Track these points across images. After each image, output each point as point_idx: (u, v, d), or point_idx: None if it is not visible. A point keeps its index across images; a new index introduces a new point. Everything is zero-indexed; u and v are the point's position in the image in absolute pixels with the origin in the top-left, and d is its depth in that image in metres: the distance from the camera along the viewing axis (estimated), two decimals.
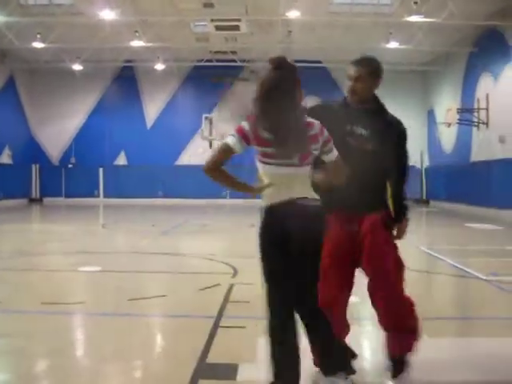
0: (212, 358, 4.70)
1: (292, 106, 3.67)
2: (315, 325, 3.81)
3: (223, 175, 3.77)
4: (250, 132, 3.65)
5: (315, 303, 3.76)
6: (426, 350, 4.98)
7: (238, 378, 4.25)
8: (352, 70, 4.23)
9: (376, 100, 4.41)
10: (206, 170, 3.69)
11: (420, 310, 6.39)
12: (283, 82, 3.66)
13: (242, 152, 3.71)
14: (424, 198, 30.96)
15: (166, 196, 31.06)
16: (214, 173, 3.71)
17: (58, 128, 31.65)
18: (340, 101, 4.44)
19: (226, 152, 3.68)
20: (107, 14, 20.55)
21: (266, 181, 3.75)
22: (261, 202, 3.80)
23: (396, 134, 4.35)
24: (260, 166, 3.79)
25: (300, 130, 3.64)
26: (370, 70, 4.28)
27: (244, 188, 3.83)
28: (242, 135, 3.66)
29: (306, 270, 3.74)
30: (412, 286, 8.04)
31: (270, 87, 3.64)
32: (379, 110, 4.40)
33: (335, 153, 3.79)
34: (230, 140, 3.67)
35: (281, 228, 3.62)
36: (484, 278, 8.42)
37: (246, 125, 3.68)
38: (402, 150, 4.43)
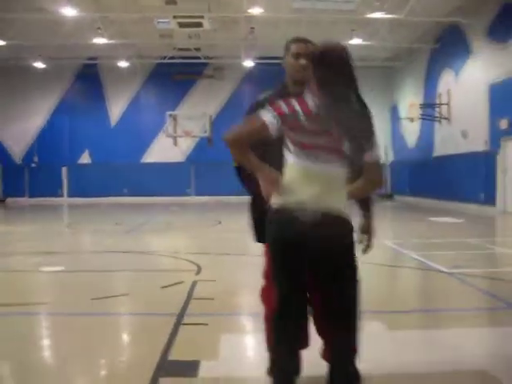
0: (174, 356, 4.67)
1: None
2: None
3: (247, 155, 3.16)
4: (291, 116, 3.10)
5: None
6: (389, 343, 5.03)
7: (200, 374, 4.23)
8: (300, 47, 3.86)
9: None
10: (229, 140, 3.11)
11: (384, 303, 6.46)
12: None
13: (274, 135, 3.13)
14: (388, 192, 31.23)
15: (131, 194, 30.86)
16: (238, 149, 3.13)
17: (21, 127, 31.22)
18: (280, 89, 3.99)
19: (259, 129, 3.10)
20: (69, 11, 20.34)
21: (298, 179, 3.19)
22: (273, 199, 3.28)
23: None
24: (295, 161, 3.21)
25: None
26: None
27: (270, 180, 3.22)
28: (282, 116, 3.10)
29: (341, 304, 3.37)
30: (375, 279, 8.16)
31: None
32: None
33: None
34: (268, 117, 3.09)
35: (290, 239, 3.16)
36: (446, 270, 8.52)
37: (284, 106, 3.13)
38: None
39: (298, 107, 3.12)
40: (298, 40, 3.94)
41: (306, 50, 3.80)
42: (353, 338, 3.44)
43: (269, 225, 3.26)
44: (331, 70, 3.20)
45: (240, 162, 3.26)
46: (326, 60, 3.24)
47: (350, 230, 3.30)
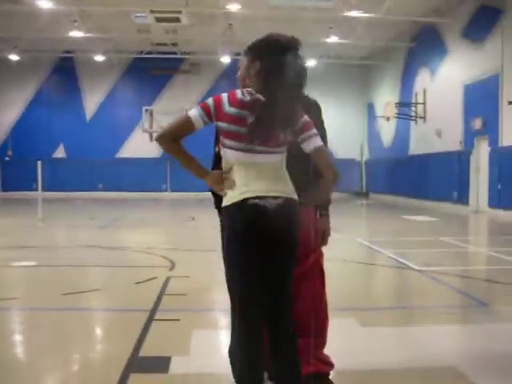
0: (145, 352, 4.65)
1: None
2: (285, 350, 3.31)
3: (178, 150, 3.18)
4: (214, 107, 3.13)
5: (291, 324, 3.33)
6: (361, 339, 5.06)
7: (170, 370, 4.22)
8: None
9: None
10: (159, 138, 3.15)
11: (356, 300, 6.50)
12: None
13: (200, 128, 3.15)
14: (363, 190, 31.43)
15: (105, 189, 30.69)
16: (167, 144, 3.14)
17: None
18: None
19: (184, 124, 3.14)
20: (45, 3, 20.14)
21: (236, 171, 3.18)
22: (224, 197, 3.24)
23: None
24: (229, 153, 3.20)
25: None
26: None
27: (200, 172, 3.26)
28: (205, 109, 3.13)
29: (285, 281, 3.29)
30: (349, 277, 8.20)
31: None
32: None
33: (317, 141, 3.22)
34: (193, 111, 3.13)
35: (256, 228, 3.10)
36: (419, 268, 8.59)
37: (210, 101, 3.16)
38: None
39: (225, 97, 3.14)
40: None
41: None
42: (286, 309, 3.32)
43: (229, 222, 3.18)
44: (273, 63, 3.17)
45: (176, 158, 3.21)
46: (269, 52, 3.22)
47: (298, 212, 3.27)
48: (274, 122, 3.13)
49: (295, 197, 3.23)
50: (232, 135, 3.14)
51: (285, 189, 3.19)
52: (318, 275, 3.88)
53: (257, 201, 3.09)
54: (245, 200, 3.10)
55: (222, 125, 3.14)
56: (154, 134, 3.49)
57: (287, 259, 3.25)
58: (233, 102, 3.13)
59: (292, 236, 3.21)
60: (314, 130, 3.20)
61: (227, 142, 3.17)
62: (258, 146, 3.14)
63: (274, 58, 3.17)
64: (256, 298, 3.23)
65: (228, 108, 3.12)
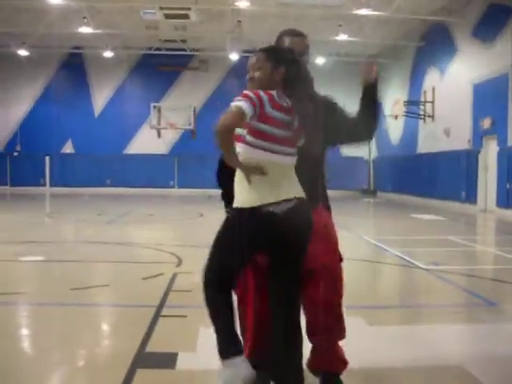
0: (152, 347, 4.66)
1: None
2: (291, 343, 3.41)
3: (232, 143, 3.10)
4: (259, 105, 3.09)
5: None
6: (369, 338, 5.06)
7: (177, 367, 4.23)
8: (295, 41, 3.70)
9: None
10: (221, 129, 2.99)
11: (363, 299, 6.50)
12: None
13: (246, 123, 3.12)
14: (371, 188, 31.37)
15: (113, 185, 30.72)
16: (226, 137, 3.03)
17: (3, 115, 30.95)
18: None
19: (240, 118, 3.04)
20: None
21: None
22: (241, 199, 3.20)
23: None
24: (255, 152, 3.18)
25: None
26: None
27: (239, 164, 3.13)
28: (252, 104, 3.07)
29: (290, 282, 3.38)
30: (356, 275, 8.19)
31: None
32: None
33: None
34: (243, 105, 3.03)
35: (264, 236, 3.17)
36: (426, 267, 8.58)
37: (252, 96, 3.09)
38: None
39: (264, 97, 3.12)
40: (293, 32, 3.75)
41: (300, 44, 3.68)
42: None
43: (246, 225, 3.16)
44: (298, 69, 3.31)
45: (226, 149, 3.09)
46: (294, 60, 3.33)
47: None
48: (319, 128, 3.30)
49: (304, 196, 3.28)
50: (270, 137, 3.15)
51: (298, 189, 3.25)
52: (334, 275, 3.82)
53: (270, 209, 3.11)
54: (260, 207, 3.11)
55: (261, 126, 3.14)
56: (214, 127, 3.32)
57: (293, 258, 3.31)
58: (275, 104, 3.15)
59: (301, 237, 3.25)
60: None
61: (260, 142, 3.16)
62: (287, 148, 3.22)
63: (297, 65, 3.32)
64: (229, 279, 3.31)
65: (270, 109, 3.13)
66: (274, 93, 3.19)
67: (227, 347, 3.26)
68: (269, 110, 3.11)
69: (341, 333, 3.84)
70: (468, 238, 12.78)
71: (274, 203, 3.11)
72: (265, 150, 3.15)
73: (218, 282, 3.27)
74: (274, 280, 3.38)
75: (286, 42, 3.69)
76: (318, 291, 3.69)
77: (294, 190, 3.22)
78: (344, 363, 3.83)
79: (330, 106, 3.76)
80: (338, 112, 3.78)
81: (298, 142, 3.27)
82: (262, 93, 3.13)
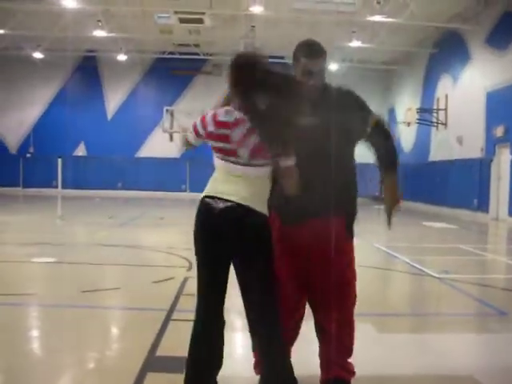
0: (162, 351, 4.68)
1: None
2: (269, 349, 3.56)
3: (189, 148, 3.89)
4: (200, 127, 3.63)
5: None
6: (378, 346, 5.05)
7: None
8: (312, 64, 3.64)
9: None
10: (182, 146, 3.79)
11: (374, 306, 6.48)
12: None
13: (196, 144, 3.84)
14: (382, 195, 31.22)
15: (125, 188, 30.83)
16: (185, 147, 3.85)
17: (17, 117, 31.17)
18: None
19: (186, 142, 3.90)
20: (70, 2, 20.27)
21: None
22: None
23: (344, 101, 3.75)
24: (214, 159, 3.62)
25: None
26: (324, 56, 3.73)
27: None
28: (202, 125, 3.61)
29: (250, 279, 3.57)
30: (367, 282, 8.17)
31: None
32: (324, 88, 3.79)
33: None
34: (189, 135, 3.79)
35: (204, 226, 3.53)
36: (436, 275, 8.55)
37: (198, 121, 3.63)
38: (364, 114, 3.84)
39: (208, 118, 3.54)
40: (310, 54, 3.67)
41: (318, 66, 3.66)
42: (272, 328, 3.50)
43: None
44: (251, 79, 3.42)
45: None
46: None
47: (263, 222, 3.44)
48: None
49: (257, 207, 3.40)
50: (216, 149, 3.58)
51: (246, 197, 3.39)
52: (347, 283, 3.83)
53: (209, 200, 3.46)
54: (205, 196, 3.50)
55: (209, 141, 3.61)
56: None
57: (245, 259, 3.48)
58: (216, 123, 3.54)
59: (232, 238, 3.40)
60: None
61: (214, 153, 3.61)
62: (232, 157, 3.48)
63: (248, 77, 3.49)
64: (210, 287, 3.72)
65: (212, 128, 3.55)
66: (221, 110, 3.51)
67: None
68: (210, 129, 3.51)
69: (352, 351, 3.88)
70: (479, 247, 12.73)
71: (214, 197, 3.43)
72: (218, 158, 3.56)
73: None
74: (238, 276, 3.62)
75: (302, 63, 3.65)
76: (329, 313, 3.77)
77: (239, 195, 3.39)
78: (352, 373, 3.85)
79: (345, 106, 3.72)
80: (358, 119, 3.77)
81: (239, 152, 3.42)
82: (208, 115, 3.55)
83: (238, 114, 3.43)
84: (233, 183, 3.45)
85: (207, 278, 3.65)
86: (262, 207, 3.44)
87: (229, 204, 3.38)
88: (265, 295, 3.50)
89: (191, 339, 3.62)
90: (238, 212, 3.37)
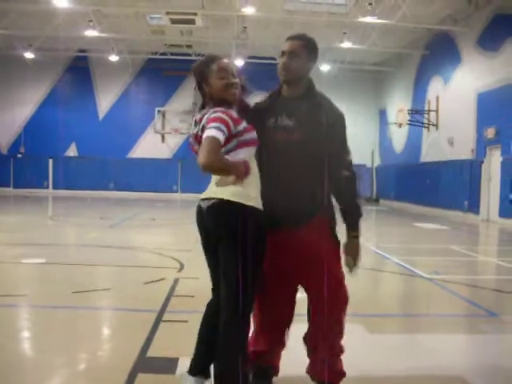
0: (153, 352, 4.68)
1: None
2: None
3: (222, 167, 3.46)
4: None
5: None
6: (368, 346, 5.07)
7: (178, 372, 4.23)
8: (287, 44, 3.69)
9: (309, 85, 3.79)
10: (207, 166, 3.32)
11: (365, 307, 6.49)
12: None
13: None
14: (374, 196, 31.35)
15: (116, 189, 30.78)
16: (215, 169, 3.46)
17: (8, 116, 31.08)
18: (272, 92, 3.90)
19: (218, 146, 3.38)
20: (61, 2, 20.21)
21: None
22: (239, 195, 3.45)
23: (326, 116, 3.66)
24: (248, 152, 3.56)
25: None
26: (305, 43, 3.71)
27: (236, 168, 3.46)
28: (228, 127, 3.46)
29: (225, 270, 3.55)
30: (358, 283, 8.16)
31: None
32: (308, 94, 3.77)
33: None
34: (218, 134, 3.38)
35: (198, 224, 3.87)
36: (427, 276, 8.58)
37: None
38: (339, 136, 3.78)
39: (232, 114, 3.50)
40: (289, 37, 3.75)
41: (291, 47, 3.68)
42: (228, 319, 3.50)
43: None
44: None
45: (220, 168, 3.46)
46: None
47: (235, 210, 3.45)
48: None
49: (228, 198, 3.48)
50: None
51: (220, 190, 3.52)
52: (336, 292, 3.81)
53: (200, 203, 3.70)
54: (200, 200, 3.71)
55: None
56: (201, 162, 3.36)
57: (224, 251, 3.54)
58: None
59: (219, 229, 3.56)
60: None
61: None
62: None
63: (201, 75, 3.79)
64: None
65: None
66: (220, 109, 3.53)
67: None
68: (244, 124, 3.55)
69: (341, 350, 3.88)
70: (470, 248, 12.77)
71: (203, 199, 3.68)
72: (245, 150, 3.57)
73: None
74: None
75: (282, 46, 3.74)
76: (319, 310, 3.76)
77: (217, 191, 3.54)
78: (342, 375, 3.85)
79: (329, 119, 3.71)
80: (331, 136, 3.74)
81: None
82: (226, 114, 3.50)
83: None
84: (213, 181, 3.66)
85: (207, 262, 3.84)
86: (235, 197, 3.47)
87: (210, 202, 3.59)
88: (227, 283, 3.50)
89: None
90: (212, 203, 3.56)
